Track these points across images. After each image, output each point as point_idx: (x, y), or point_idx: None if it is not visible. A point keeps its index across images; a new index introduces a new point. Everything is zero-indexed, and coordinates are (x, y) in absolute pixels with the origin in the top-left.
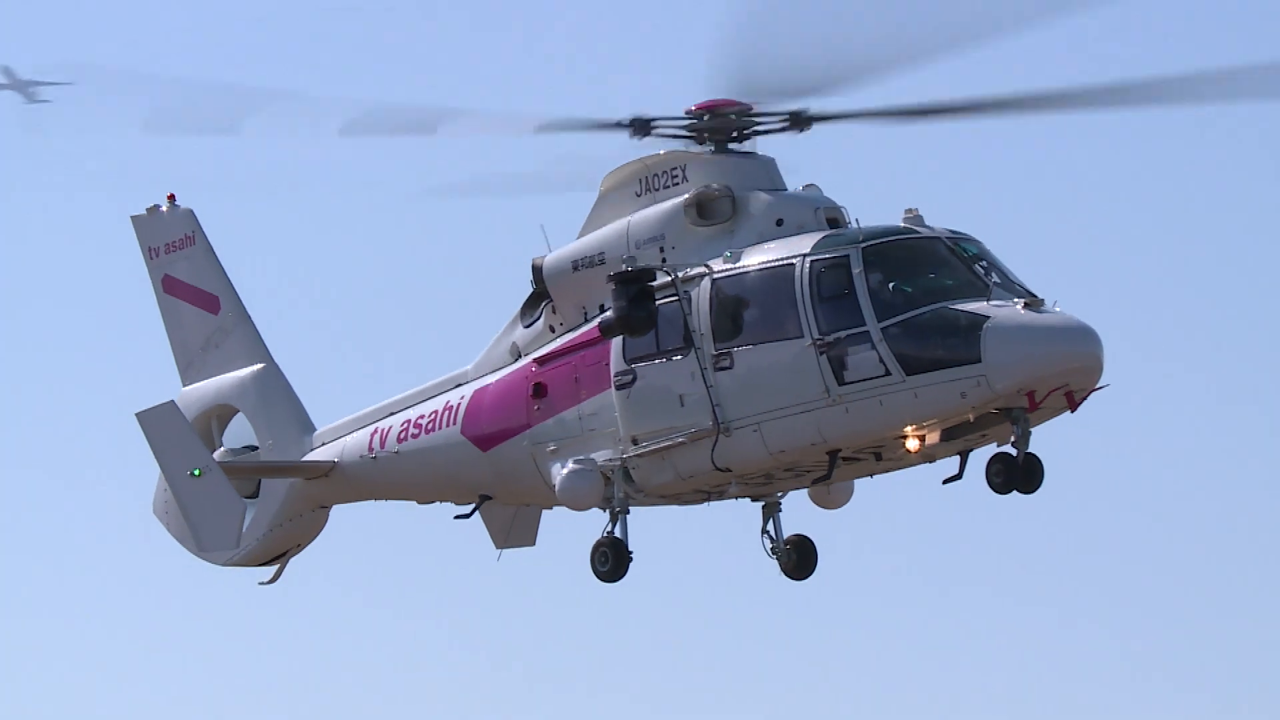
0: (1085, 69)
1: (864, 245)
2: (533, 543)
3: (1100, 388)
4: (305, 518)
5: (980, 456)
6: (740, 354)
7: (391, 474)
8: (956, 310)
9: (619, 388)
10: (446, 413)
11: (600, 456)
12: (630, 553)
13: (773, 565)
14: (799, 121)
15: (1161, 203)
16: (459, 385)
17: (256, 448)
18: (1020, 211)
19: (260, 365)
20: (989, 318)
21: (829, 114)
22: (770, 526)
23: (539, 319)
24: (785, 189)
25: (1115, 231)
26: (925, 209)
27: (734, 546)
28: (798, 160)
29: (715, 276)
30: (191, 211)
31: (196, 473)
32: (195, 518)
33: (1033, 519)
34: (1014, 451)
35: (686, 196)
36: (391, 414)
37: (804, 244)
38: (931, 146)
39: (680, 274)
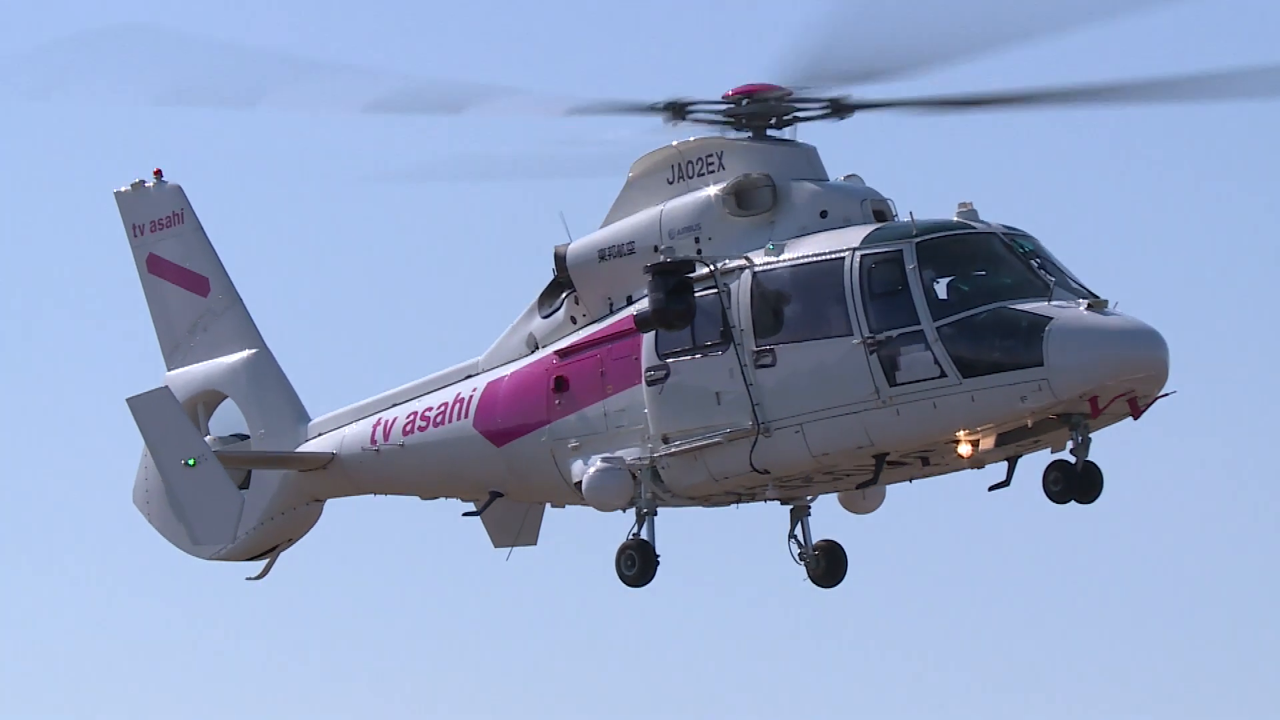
0: (1138, 62)
1: (918, 240)
2: (534, 542)
3: (1165, 395)
4: (299, 511)
5: (1029, 463)
6: (783, 351)
7: (395, 468)
8: (1016, 310)
9: (650, 383)
10: (457, 405)
11: (627, 455)
12: (658, 556)
13: (799, 571)
14: (840, 108)
15: (1222, 200)
16: (469, 377)
17: (245, 436)
18: (1070, 208)
19: (252, 351)
20: (1051, 319)
21: (871, 102)
22: (798, 531)
23: (559, 309)
24: (827, 179)
25: (1172, 228)
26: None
27: (758, 550)
28: (836, 149)
29: (757, 270)
30: (180, 188)
31: (191, 462)
32: (190, 510)
33: (1077, 528)
34: (1072, 459)
35: (725, 185)
36: (395, 405)
37: (853, 237)
38: (974, 139)
39: (719, 266)
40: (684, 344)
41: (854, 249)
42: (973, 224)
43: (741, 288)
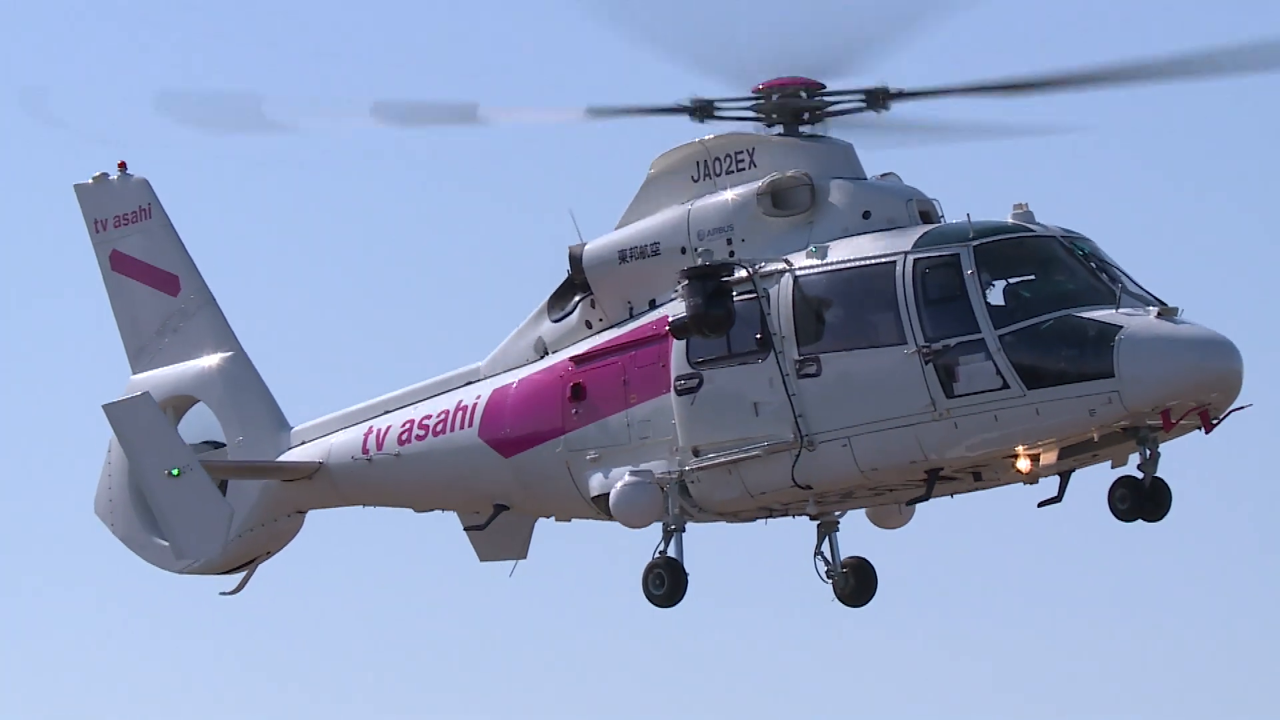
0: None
1: (975, 243)
2: (524, 555)
3: (1240, 408)
4: (279, 523)
5: (1082, 479)
6: (829, 360)
7: (389, 478)
8: (1084, 318)
9: (680, 393)
10: (460, 413)
11: (653, 467)
12: (687, 574)
13: (826, 590)
14: (877, 99)
15: None
16: (470, 383)
17: (218, 444)
18: (1121, 207)
19: (227, 354)
20: (1122, 327)
21: (910, 91)
22: (825, 547)
23: (571, 313)
24: (865, 177)
25: (1238, 225)
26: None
27: (782, 567)
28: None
29: (798, 274)
30: (146, 181)
31: (175, 472)
32: (174, 523)
33: (1121, 544)
34: (1139, 475)
35: (761, 184)
36: (387, 412)
37: (903, 240)
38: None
39: (758, 269)
40: (719, 351)
41: (906, 252)
42: (1030, 226)
43: (782, 292)
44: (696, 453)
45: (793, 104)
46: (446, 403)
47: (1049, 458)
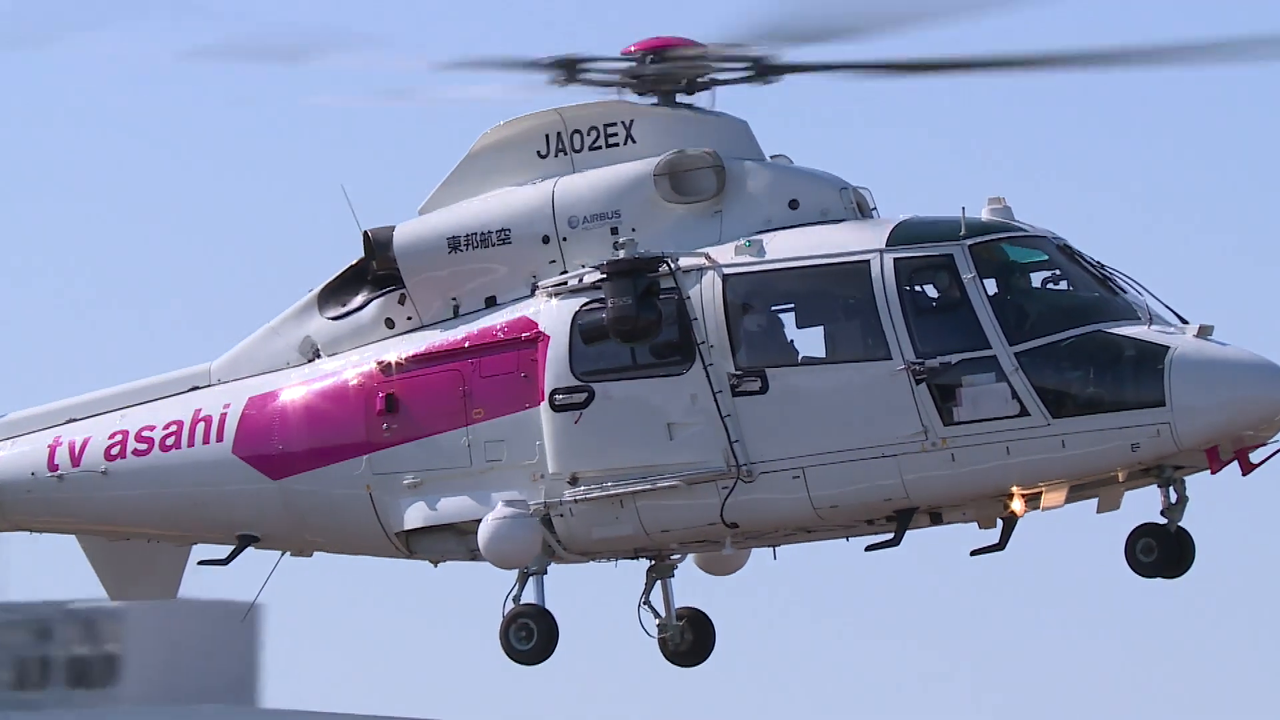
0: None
1: (970, 242)
2: (173, 595)
3: None
4: None
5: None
6: (780, 376)
7: (91, 499)
8: (1118, 335)
9: (558, 409)
10: (201, 424)
11: (504, 497)
12: (558, 625)
13: (651, 645)
14: (764, 70)
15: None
16: (197, 388)
17: None
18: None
19: None
20: (1170, 348)
21: (802, 64)
22: (656, 595)
23: (361, 309)
24: (765, 159)
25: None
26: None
27: (597, 616)
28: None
29: (729, 272)
30: None
31: None
32: None
33: (981, 585)
34: (1163, 522)
35: (659, 162)
36: (73, 420)
37: (870, 235)
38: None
39: (677, 265)
40: (617, 361)
41: (881, 250)
42: (1020, 225)
43: (707, 294)
44: (575, 481)
45: (672, 69)
46: (174, 411)
47: (1055, 498)
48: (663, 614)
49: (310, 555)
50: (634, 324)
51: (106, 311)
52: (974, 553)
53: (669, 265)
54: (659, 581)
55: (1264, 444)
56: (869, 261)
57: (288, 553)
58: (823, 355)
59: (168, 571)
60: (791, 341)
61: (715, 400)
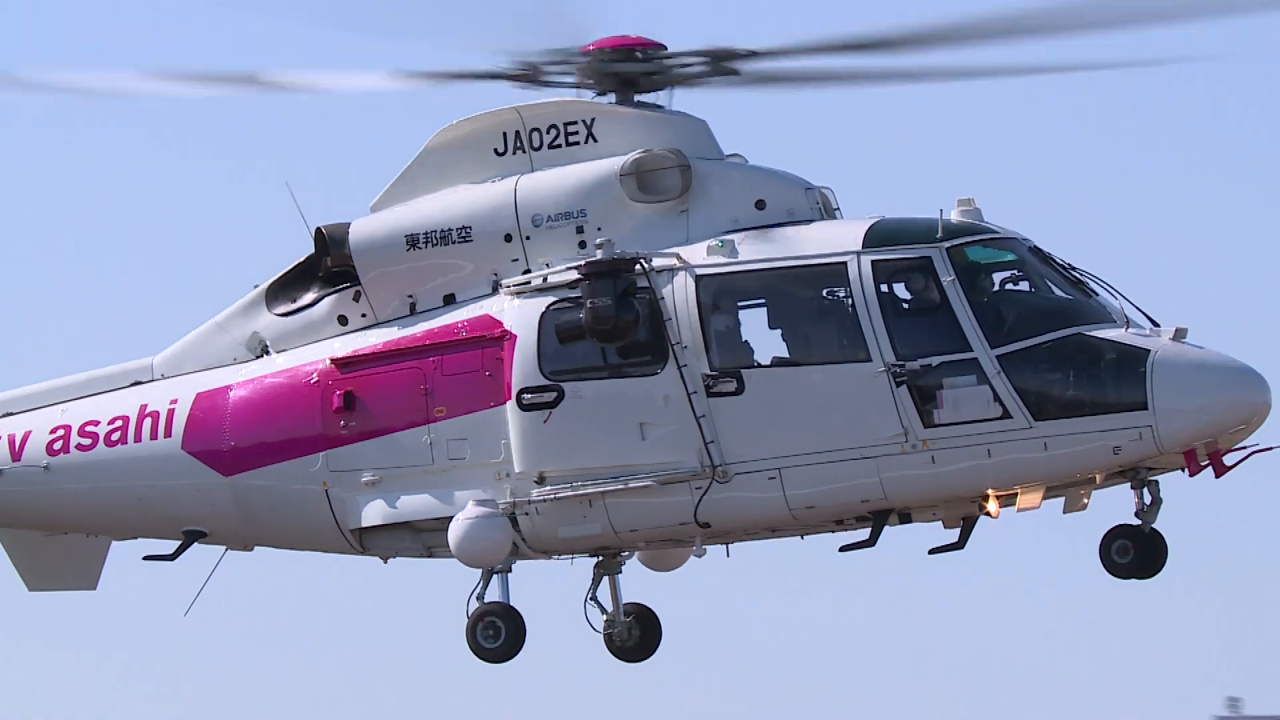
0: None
1: (948, 245)
2: (94, 586)
3: (1267, 449)
4: None
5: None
6: (756, 377)
7: (30, 495)
8: (1098, 338)
9: (526, 408)
10: (147, 419)
11: (467, 495)
12: (525, 623)
13: (596, 641)
14: (722, 63)
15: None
16: (139, 383)
17: None
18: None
19: None
20: (1150, 351)
21: (761, 50)
22: (603, 591)
23: (311, 305)
24: (724, 158)
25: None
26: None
27: (540, 612)
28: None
29: (702, 272)
30: None
31: None
32: None
33: (939, 583)
34: (1137, 523)
35: (625, 161)
36: (9, 414)
37: (844, 235)
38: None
39: (650, 266)
40: (587, 361)
41: (857, 252)
42: (991, 227)
43: (679, 294)
44: (542, 480)
45: (629, 68)
46: (117, 406)
47: (1031, 500)
48: (610, 610)
49: (251, 550)
50: (614, 324)
51: (35, 304)
52: (932, 551)
53: (643, 265)
54: (606, 577)
55: (1235, 447)
56: (846, 263)
57: (228, 548)
58: (799, 356)
59: (87, 563)
60: (766, 343)
61: (690, 401)
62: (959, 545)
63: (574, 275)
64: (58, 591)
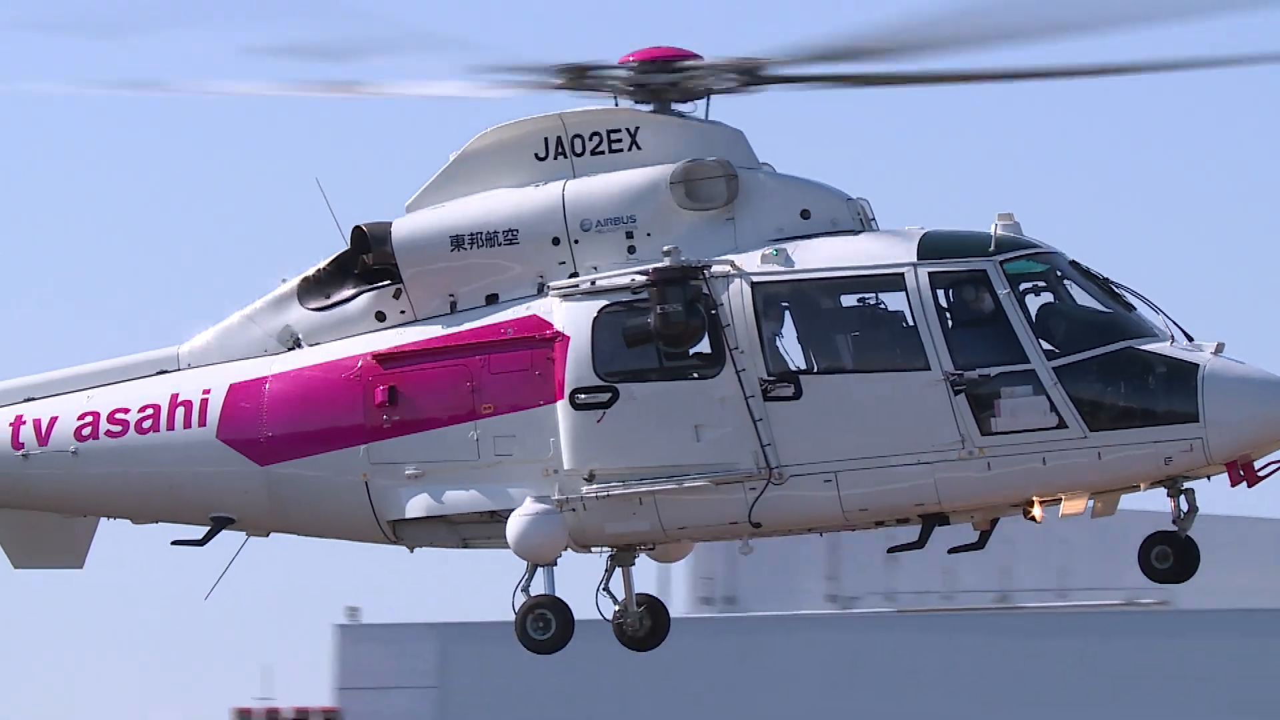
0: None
1: (1002, 259)
2: (80, 564)
3: None
4: None
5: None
6: (814, 383)
7: (55, 479)
8: (1148, 352)
9: (580, 407)
10: (181, 408)
11: (516, 491)
12: (573, 614)
13: (605, 630)
14: (752, 76)
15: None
16: (164, 372)
17: None
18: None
19: None
20: (1199, 365)
21: (791, 76)
22: (616, 582)
23: (346, 301)
24: (760, 168)
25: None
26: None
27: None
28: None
29: (758, 280)
30: None
31: None
32: None
33: None
34: (1174, 530)
35: (674, 170)
36: (31, 400)
37: (898, 248)
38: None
39: (709, 272)
40: (645, 363)
41: (914, 264)
42: (1035, 243)
43: (738, 301)
44: (591, 478)
45: (671, 79)
46: (147, 394)
47: (1075, 506)
48: (621, 600)
49: (268, 535)
50: (684, 329)
51: (58, 294)
52: (952, 550)
53: (704, 273)
54: (619, 569)
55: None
56: (903, 274)
57: (249, 535)
58: (856, 364)
59: (75, 542)
60: (828, 348)
61: (747, 404)
62: (979, 545)
63: (627, 280)
64: (44, 570)
